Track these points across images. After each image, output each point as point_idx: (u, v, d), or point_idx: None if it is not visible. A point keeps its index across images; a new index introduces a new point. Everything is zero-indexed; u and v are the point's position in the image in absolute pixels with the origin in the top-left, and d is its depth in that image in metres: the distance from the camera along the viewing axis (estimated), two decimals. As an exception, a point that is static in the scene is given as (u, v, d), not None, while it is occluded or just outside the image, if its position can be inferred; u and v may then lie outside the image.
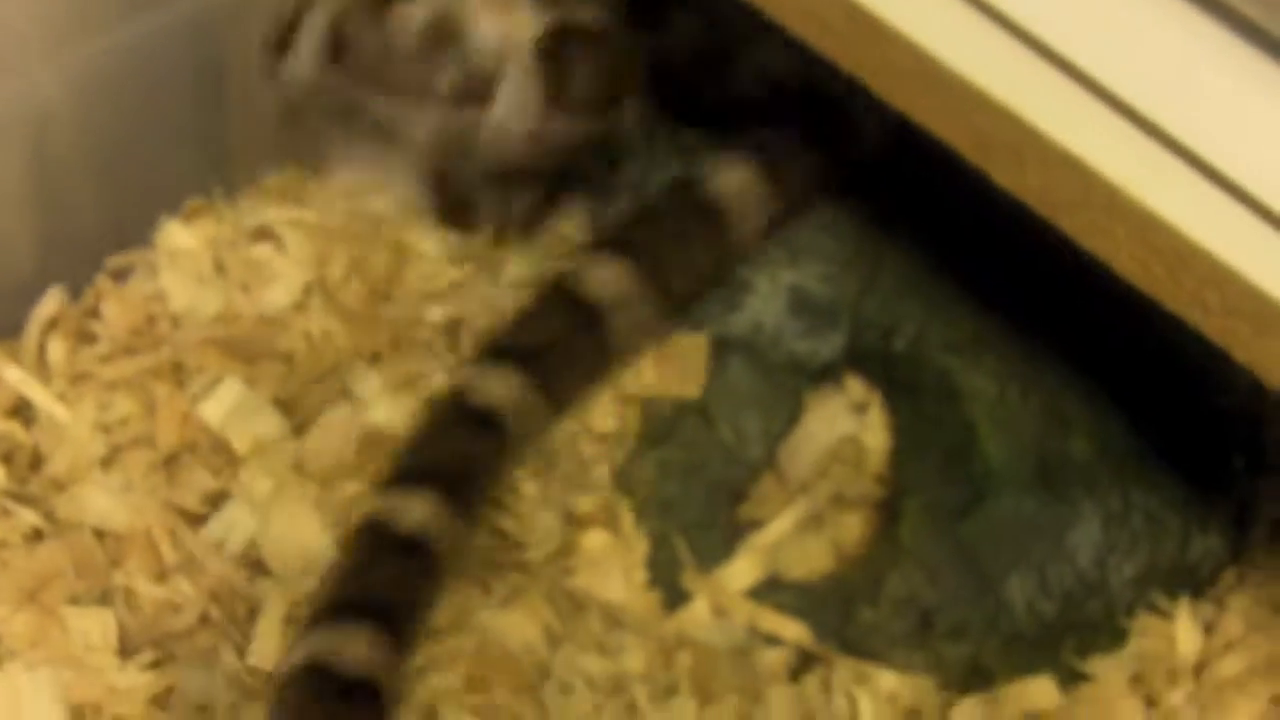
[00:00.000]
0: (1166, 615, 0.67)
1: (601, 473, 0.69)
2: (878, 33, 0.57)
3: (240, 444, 0.68)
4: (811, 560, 0.69)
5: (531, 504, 0.67)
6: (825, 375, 0.71)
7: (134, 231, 0.74)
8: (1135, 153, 0.54)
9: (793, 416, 0.70)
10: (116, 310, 0.71)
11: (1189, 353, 0.57)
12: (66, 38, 0.68)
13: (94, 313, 0.72)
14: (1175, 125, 0.54)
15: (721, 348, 0.71)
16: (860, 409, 0.71)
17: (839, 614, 0.67)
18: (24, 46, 0.67)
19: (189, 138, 0.74)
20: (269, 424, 0.69)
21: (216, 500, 0.68)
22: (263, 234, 0.74)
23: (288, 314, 0.71)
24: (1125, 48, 0.55)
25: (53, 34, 0.67)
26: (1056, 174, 0.55)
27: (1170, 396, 0.70)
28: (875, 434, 0.70)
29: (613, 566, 0.67)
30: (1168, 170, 0.53)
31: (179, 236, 0.73)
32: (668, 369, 0.69)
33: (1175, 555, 0.68)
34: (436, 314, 0.72)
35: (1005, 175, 0.56)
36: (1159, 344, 0.65)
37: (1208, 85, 0.54)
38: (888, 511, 0.69)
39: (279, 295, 0.72)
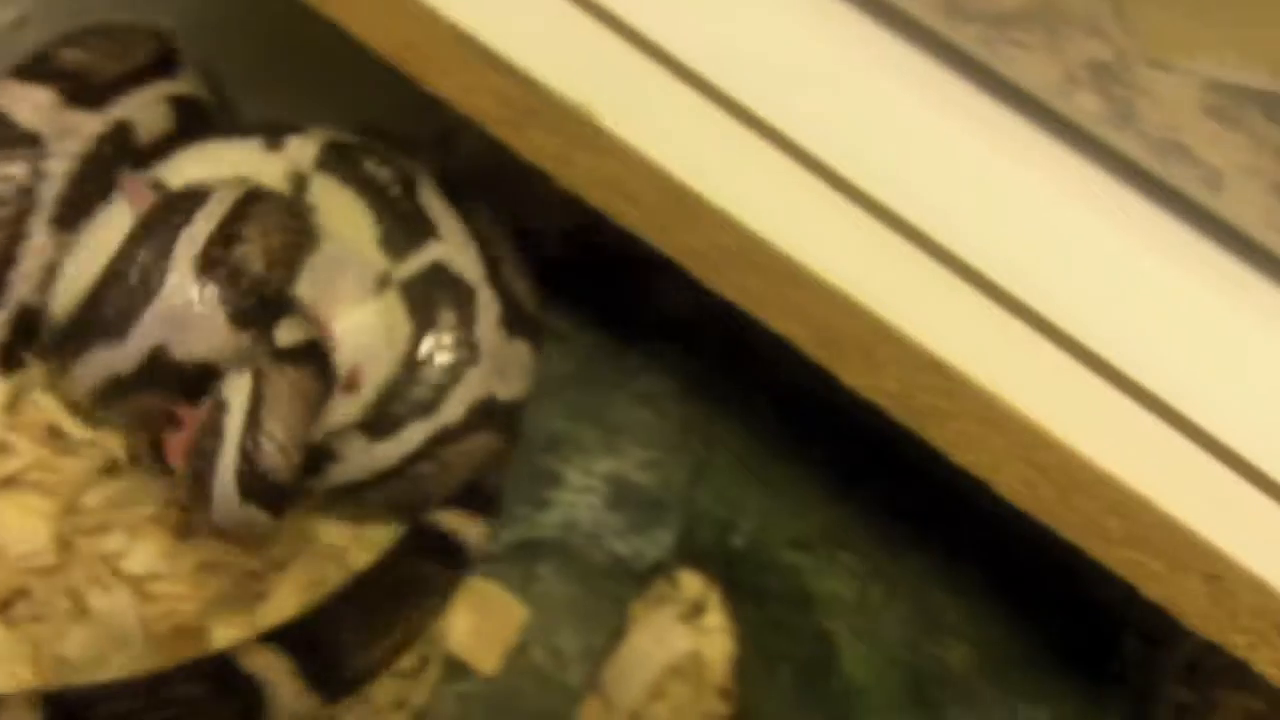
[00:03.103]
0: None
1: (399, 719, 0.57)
2: (692, 207, 0.46)
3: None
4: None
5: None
6: (654, 576, 0.60)
7: None
8: (1016, 351, 0.44)
9: (618, 630, 0.59)
10: None
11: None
12: None
13: None
14: (1063, 315, 0.44)
15: (529, 553, 0.59)
16: (697, 610, 0.60)
17: None
18: None
19: None
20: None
21: None
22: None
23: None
24: (990, 212, 0.45)
25: None
26: (919, 378, 0.45)
27: (1049, 584, 0.60)
28: (716, 642, 0.60)
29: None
30: (1059, 373, 0.44)
31: None
32: (471, 623, 0.58)
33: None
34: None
35: (856, 377, 0.46)
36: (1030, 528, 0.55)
37: (1096, 262, 0.45)
38: (737, 738, 0.59)
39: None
